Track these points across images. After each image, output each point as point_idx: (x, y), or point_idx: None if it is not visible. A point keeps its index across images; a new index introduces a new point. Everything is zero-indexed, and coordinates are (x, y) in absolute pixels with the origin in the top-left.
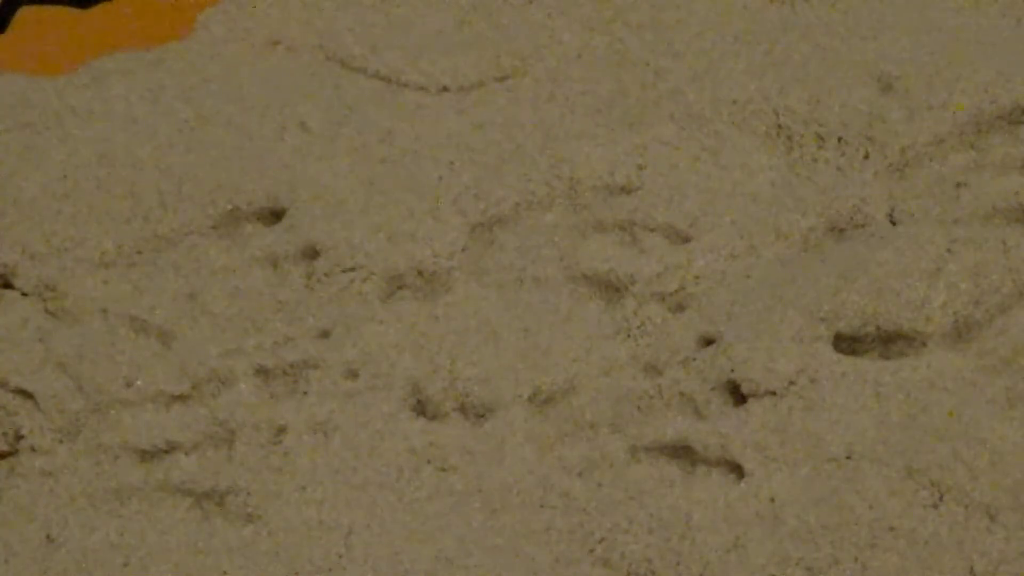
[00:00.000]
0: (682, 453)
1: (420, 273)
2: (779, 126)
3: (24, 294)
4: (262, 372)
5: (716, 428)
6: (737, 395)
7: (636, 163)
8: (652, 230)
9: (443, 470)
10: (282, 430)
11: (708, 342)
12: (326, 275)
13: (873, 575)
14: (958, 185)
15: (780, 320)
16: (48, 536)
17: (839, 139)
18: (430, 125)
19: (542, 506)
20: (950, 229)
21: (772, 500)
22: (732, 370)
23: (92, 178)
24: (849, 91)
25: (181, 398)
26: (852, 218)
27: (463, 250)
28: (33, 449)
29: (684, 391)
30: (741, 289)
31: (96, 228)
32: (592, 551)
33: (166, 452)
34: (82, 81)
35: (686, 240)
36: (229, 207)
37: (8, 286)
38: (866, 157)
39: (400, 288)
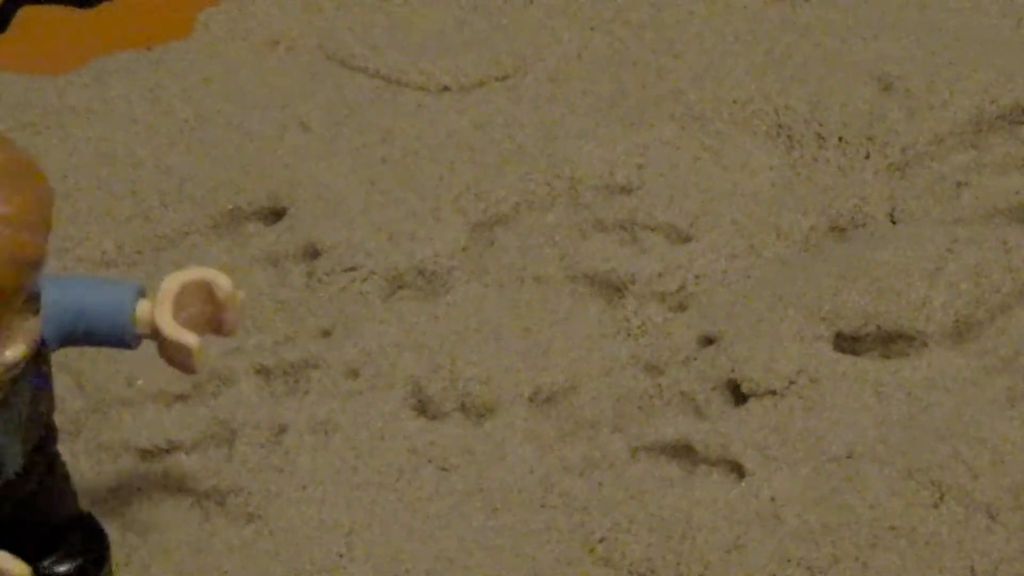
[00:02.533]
0: (683, 453)
1: (421, 273)
2: (780, 126)
3: None
4: (263, 371)
5: (716, 428)
6: (737, 395)
7: (637, 163)
8: (653, 230)
9: (444, 469)
10: (283, 429)
11: (709, 342)
12: (327, 274)
13: (874, 574)
14: (959, 185)
15: (781, 320)
16: None
17: (840, 139)
18: (430, 125)
19: (543, 505)
20: (951, 229)
21: (773, 500)
22: (732, 370)
23: (92, 178)
24: (850, 91)
25: (182, 397)
26: (853, 218)
27: (464, 250)
28: None
29: (685, 391)
30: (742, 289)
31: (96, 228)
32: (593, 551)
33: (167, 451)
34: (82, 81)
35: (687, 240)
36: (230, 207)
37: None
38: (867, 157)
39: (401, 288)
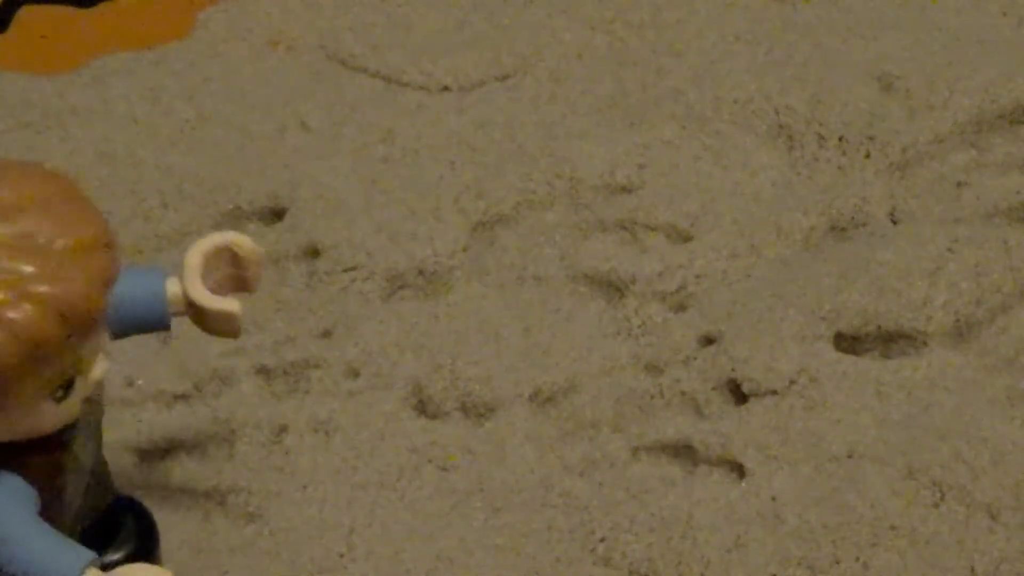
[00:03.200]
0: (683, 452)
1: (421, 272)
2: (780, 125)
3: None
4: (263, 371)
5: (717, 427)
6: (738, 394)
7: (637, 162)
8: (653, 229)
9: (444, 469)
10: (283, 429)
11: (709, 341)
12: (327, 274)
13: (874, 574)
14: (959, 184)
15: (781, 319)
16: None
17: (840, 138)
18: (431, 124)
19: (543, 505)
20: (951, 228)
21: (773, 499)
22: (733, 369)
23: (93, 178)
24: (850, 90)
25: (182, 397)
26: (853, 217)
27: (464, 249)
28: None
29: (685, 390)
30: (742, 288)
31: None
32: (593, 550)
33: (167, 451)
34: (83, 81)
35: (687, 239)
36: (230, 206)
37: None
38: (867, 156)
39: (401, 287)
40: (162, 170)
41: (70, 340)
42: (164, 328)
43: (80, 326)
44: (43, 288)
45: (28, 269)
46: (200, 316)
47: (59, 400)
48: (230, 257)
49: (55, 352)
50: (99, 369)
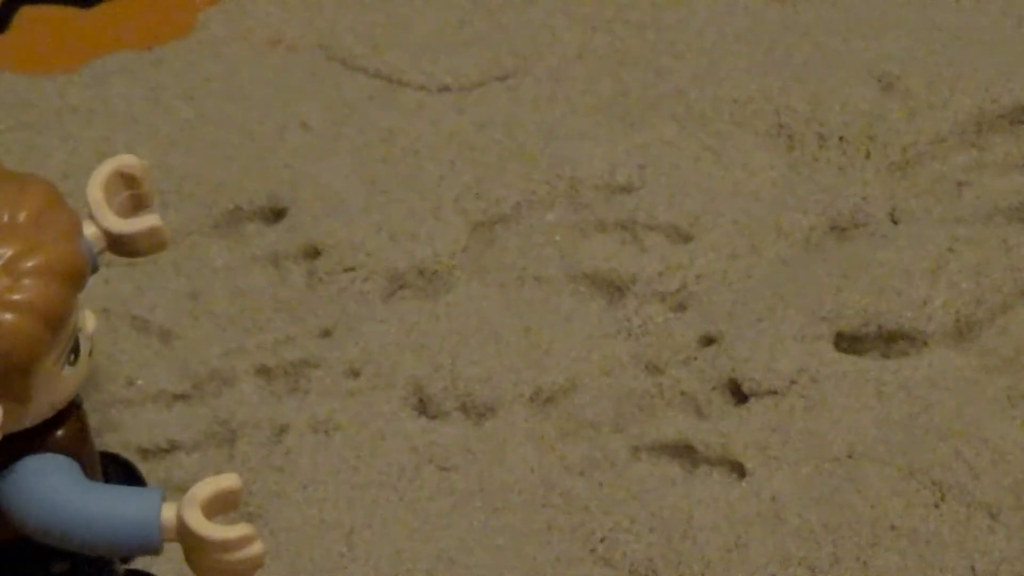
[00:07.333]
0: (683, 452)
1: (421, 272)
2: (780, 125)
3: None
4: (263, 371)
5: (717, 427)
6: (738, 394)
7: (637, 162)
8: (653, 229)
9: (444, 469)
10: (283, 429)
11: (709, 341)
12: (327, 274)
13: (875, 574)
14: (959, 184)
15: (781, 319)
16: None
17: (840, 138)
18: (431, 124)
19: (543, 505)
20: (951, 228)
21: (773, 499)
22: (733, 369)
23: None
24: (850, 90)
25: (182, 397)
26: (853, 217)
27: (464, 249)
28: None
29: (685, 390)
30: (742, 288)
31: None
32: (593, 550)
33: (167, 451)
34: (83, 81)
35: (687, 239)
36: (230, 206)
37: None
38: (867, 156)
39: (401, 287)
40: (162, 170)
41: (75, 297)
42: (94, 272)
43: (80, 280)
44: (33, 261)
45: (9, 250)
46: (124, 244)
47: (72, 363)
48: (123, 180)
49: (68, 314)
50: (89, 321)
